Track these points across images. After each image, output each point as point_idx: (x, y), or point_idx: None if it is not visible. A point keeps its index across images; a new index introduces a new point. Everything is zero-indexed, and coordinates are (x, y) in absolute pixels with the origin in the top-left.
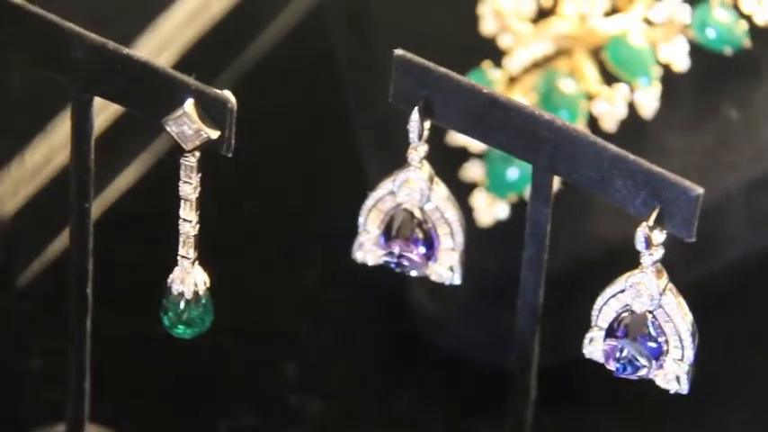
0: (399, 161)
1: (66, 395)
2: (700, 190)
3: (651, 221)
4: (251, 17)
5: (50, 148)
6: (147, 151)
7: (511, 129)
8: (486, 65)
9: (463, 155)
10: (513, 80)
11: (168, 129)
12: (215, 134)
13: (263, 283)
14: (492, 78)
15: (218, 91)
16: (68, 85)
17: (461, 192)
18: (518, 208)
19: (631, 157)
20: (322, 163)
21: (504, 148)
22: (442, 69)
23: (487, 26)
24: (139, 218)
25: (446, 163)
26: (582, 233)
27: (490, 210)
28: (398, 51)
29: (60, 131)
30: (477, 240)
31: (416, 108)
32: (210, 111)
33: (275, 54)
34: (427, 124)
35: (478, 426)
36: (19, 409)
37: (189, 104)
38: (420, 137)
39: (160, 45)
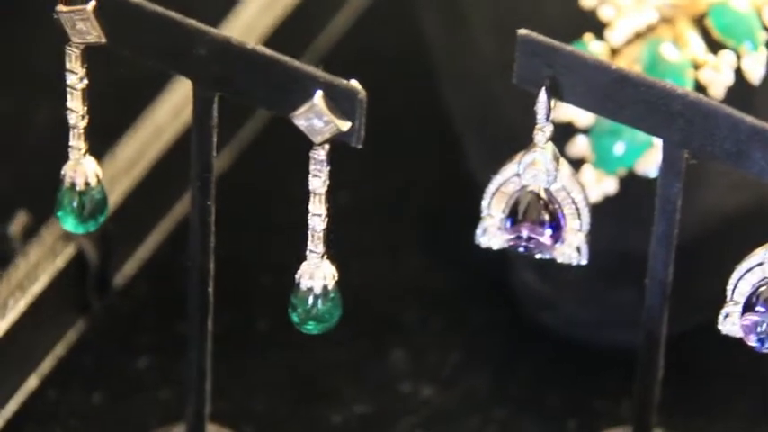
0: (500, 139)
1: (184, 395)
2: None
3: None
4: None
5: (141, 144)
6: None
7: (641, 104)
8: (588, 37)
9: (569, 131)
10: (615, 52)
11: (297, 123)
12: (345, 126)
13: (365, 270)
14: (594, 51)
15: (347, 82)
16: (192, 83)
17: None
18: (626, 183)
19: None
20: (414, 147)
21: (635, 125)
22: (569, 48)
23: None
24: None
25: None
26: (698, 204)
27: (598, 185)
28: (522, 31)
29: (149, 126)
30: None
31: (543, 88)
32: (340, 103)
33: (358, 36)
34: (553, 104)
35: (597, 405)
36: (132, 409)
37: (318, 97)
38: (547, 117)
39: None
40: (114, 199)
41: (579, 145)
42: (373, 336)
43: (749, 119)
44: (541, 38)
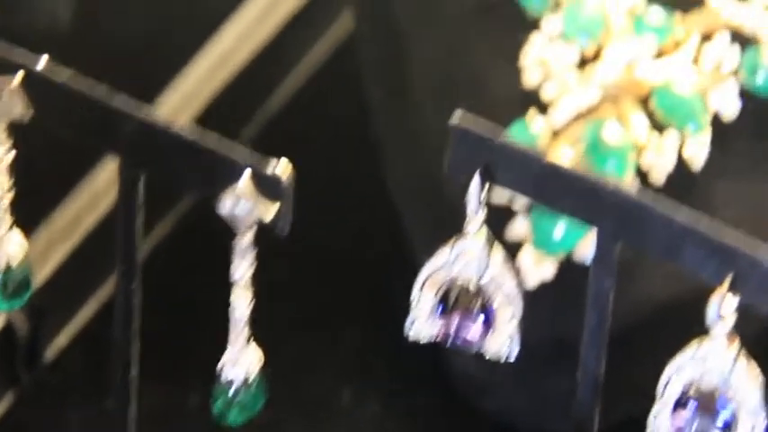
0: (441, 219)
1: None
2: None
3: (724, 289)
4: (274, 64)
5: (77, 212)
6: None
7: (575, 195)
8: (530, 116)
9: (508, 214)
10: (557, 132)
11: (221, 208)
12: (271, 212)
13: (304, 348)
14: (536, 130)
15: (275, 164)
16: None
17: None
18: (563, 269)
19: (702, 225)
20: (359, 218)
21: (570, 214)
22: (502, 139)
23: (530, 78)
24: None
25: (489, 224)
26: (632, 293)
27: (537, 269)
28: (454, 121)
29: (85, 194)
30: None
31: (477, 176)
32: (266, 188)
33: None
34: (485, 194)
35: None
36: None
37: (243, 181)
38: (479, 206)
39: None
40: (48, 269)
41: (518, 227)
42: (308, 417)
43: (682, 216)
44: (474, 128)
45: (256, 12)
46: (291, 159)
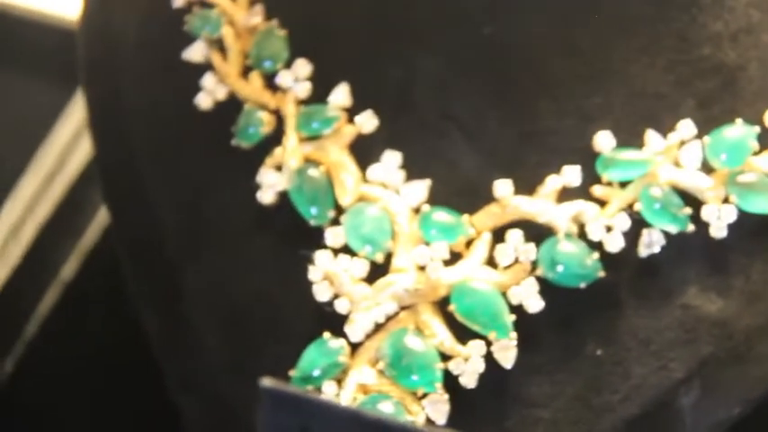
0: None
1: None
2: None
3: None
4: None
5: None
6: None
7: None
8: (326, 336)
9: None
10: (356, 347)
11: None
12: None
13: None
14: (333, 350)
15: None
16: None
17: None
18: None
19: None
20: None
21: None
22: (321, 397)
23: (320, 294)
24: None
25: None
26: None
27: None
28: (266, 381)
29: None
30: None
31: None
32: None
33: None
34: None
35: None
36: None
37: None
38: None
39: None
40: None
41: None
42: None
43: None
44: (287, 387)
45: None
46: None
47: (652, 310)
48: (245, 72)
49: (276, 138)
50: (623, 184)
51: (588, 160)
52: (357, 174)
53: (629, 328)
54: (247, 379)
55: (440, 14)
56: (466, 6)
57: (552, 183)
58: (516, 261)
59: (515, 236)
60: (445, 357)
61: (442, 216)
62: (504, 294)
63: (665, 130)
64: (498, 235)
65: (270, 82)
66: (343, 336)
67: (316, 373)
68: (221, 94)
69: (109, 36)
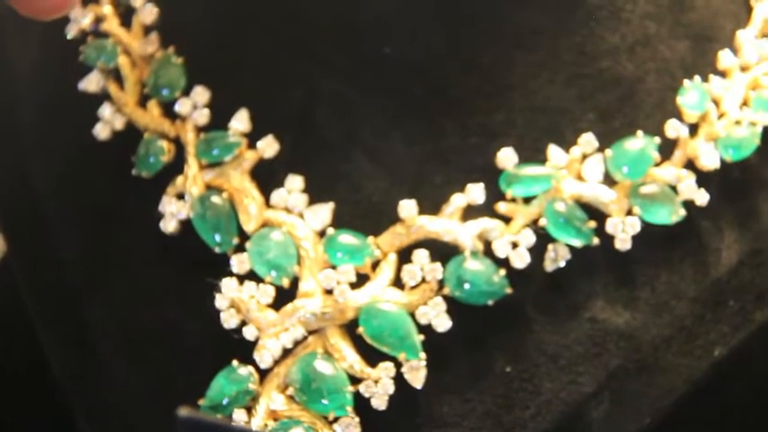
0: None
1: None
2: None
3: None
4: None
5: None
6: None
7: None
8: (235, 363)
9: None
10: (265, 374)
11: None
12: None
13: None
14: (243, 376)
15: None
16: None
17: None
18: None
19: None
20: None
21: None
22: (237, 425)
23: (228, 322)
24: None
25: None
26: None
27: None
28: (182, 411)
29: None
30: None
31: None
32: None
33: None
34: None
35: None
36: None
37: None
38: None
39: None
40: None
41: None
42: None
43: None
44: (204, 416)
45: None
46: None
47: (560, 325)
48: (143, 101)
49: (177, 166)
50: (527, 200)
51: (492, 177)
52: (260, 199)
53: (538, 343)
54: (157, 408)
55: (339, 34)
56: (365, 26)
57: (456, 201)
58: (423, 281)
59: (421, 256)
60: (355, 380)
61: (348, 238)
62: (412, 315)
63: (567, 144)
64: (404, 255)
65: (168, 110)
66: (252, 363)
67: (225, 401)
68: (119, 123)
69: (3, 69)
